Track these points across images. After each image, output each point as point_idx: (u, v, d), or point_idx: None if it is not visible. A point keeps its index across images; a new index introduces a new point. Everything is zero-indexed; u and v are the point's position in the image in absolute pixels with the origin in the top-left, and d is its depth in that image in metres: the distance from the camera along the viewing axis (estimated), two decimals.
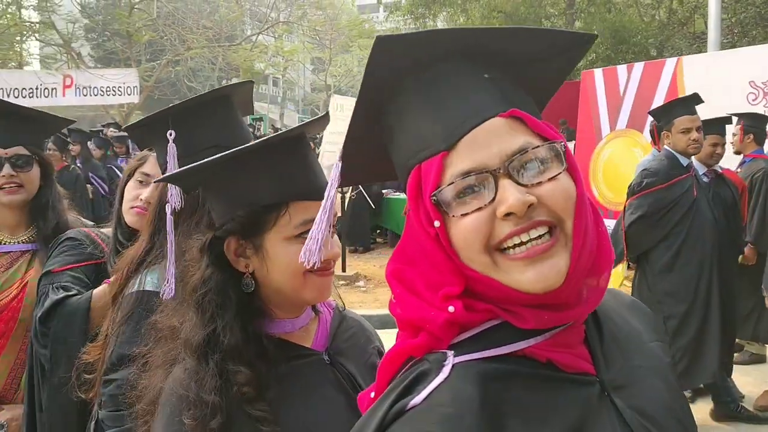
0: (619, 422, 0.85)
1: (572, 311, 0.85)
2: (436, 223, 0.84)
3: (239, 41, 25.33)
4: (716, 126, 4.72)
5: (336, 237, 1.33)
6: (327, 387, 1.29)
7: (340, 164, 0.95)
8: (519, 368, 0.84)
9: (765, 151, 5.47)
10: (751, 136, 5.32)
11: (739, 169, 5.33)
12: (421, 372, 0.84)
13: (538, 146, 0.83)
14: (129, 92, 16.54)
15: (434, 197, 0.83)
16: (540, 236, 0.81)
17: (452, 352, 0.85)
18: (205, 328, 1.20)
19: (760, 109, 6.44)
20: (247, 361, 1.19)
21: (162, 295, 1.42)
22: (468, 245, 0.83)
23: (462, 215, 0.82)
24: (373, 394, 0.91)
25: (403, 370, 0.88)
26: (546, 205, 0.81)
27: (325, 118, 1.48)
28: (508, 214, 0.80)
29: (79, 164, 8.67)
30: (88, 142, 9.34)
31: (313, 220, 1.17)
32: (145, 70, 20.32)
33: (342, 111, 12.08)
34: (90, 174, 8.52)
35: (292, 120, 38.29)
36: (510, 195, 0.79)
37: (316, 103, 41.09)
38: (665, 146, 4.51)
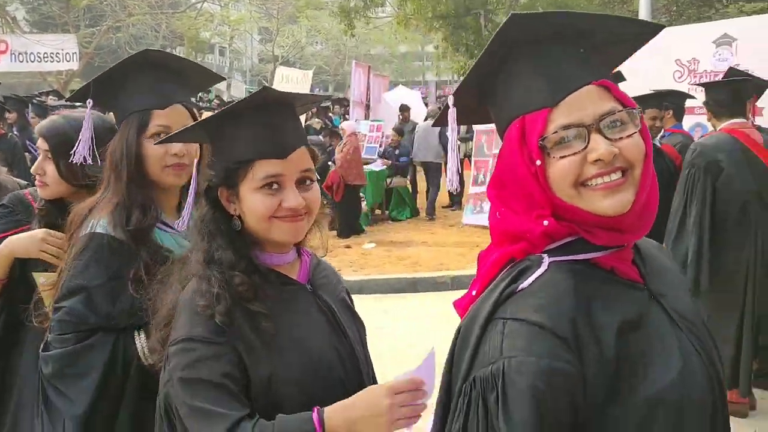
0: (667, 318, 1.13)
1: (630, 235, 1.13)
2: (538, 162, 1.09)
3: (183, 8, 24.76)
4: (655, 100, 5.07)
5: (298, 191, 1.50)
6: (311, 310, 1.60)
7: (454, 110, 1.20)
8: (594, 270, 1.12)
9: (683, 127, 5.80)
10: (671, 112, 5.59)
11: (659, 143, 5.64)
12: (524, 267, 1.11)
13: (622, 110, 1.08)
14: (68, 59, 16.09)
15: (541, 142, 1.08)
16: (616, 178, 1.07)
17: (546, 254, 1.12)
18: (206, 247, 1.52)
19: (685, 87, 6.74)
20: (241, 269, 1.48)
21: (179, 227, 1.74)
22: (562, 180, 1.08)
23: (560, 157, 1.07)
24: (474, 293, 1.18)
25: (506, 269, 1.14)
26: (624, 155, 1.06)
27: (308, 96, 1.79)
28: (597, 160, 1.05)
29: (15, 132, 8.47)
30: (26, 110, 9.11)
31: (275, 175, 1.47)
32: (84, 36, 19.74)
33: (288, 82, 12.03)
34: (27, 142, 8.33)
35: (239, 91, 37.57)
36: (600, 146, 1.05)
37: (263, 74, 40.44)
38: None
